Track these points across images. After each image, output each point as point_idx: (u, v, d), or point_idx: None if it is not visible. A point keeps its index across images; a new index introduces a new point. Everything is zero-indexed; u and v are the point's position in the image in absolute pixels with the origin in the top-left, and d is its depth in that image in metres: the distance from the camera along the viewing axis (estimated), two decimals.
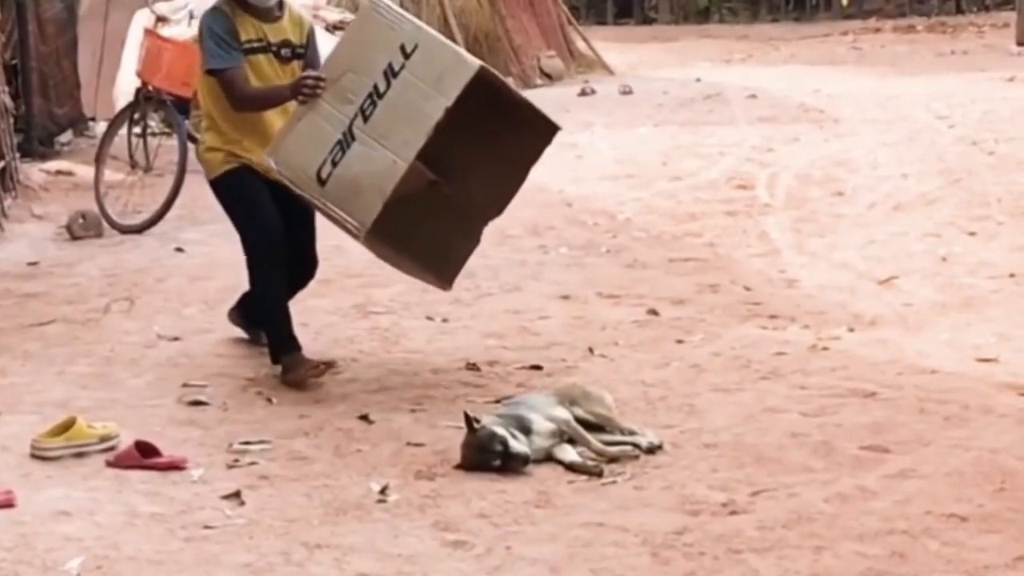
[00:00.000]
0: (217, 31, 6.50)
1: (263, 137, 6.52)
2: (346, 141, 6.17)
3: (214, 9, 6.61)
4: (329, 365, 6.42)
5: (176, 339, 7.23)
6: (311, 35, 6.79)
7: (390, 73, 6.13)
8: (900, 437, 5.59)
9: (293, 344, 6.52)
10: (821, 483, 5.15)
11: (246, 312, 7.04)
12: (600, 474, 5.29)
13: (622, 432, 5.60)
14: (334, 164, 6.17)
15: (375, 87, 6.15)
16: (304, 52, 6.70)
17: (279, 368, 6.52)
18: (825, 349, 6.86)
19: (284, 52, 6.64)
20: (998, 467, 5.24)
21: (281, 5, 6.69)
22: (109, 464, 5.41)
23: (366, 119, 6.15)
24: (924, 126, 13.38)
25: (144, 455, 5.42)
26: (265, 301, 6.57)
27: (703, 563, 4.51)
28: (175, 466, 5.38)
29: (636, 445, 5.52)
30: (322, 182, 6.18)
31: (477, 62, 6.15)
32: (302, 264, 6.80)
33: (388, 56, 6.14)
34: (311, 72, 6.38)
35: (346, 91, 6.20)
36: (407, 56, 6.11)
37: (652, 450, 5.51)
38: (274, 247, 6.51)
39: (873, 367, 6.54)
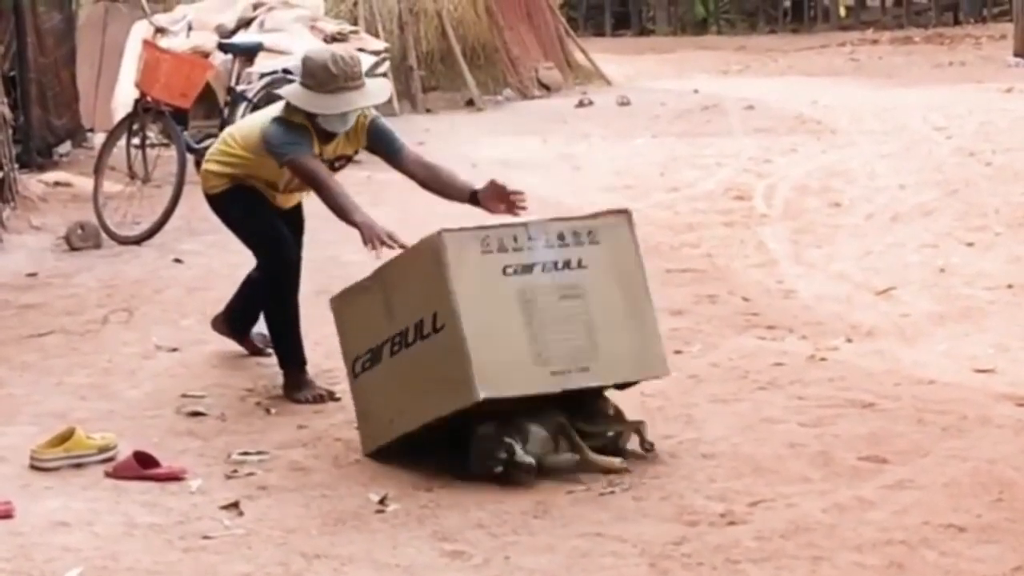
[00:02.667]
0: (297, 140, 6.20)
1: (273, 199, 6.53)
2: (375, 357, 5.57)
3: (290, 121, 6.23)
4: (331, 397, 6.40)
5: (174, 350, 7.24)
6: (373, 131, 6.43)
7: (418, 331, 5.41)
8: (898, 447, 5.60)
9: (302, 357, 6.53)
10: (819, 493, 5.16)
11: (231, 321, 7.04)
12: (616, 470, 5.29)
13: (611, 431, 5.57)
14: (364, 368, 5.63)
15: (404, 331, 5.45)
16: (352, 158, 6.58)
17: (278, 378, 6.53)
18: (823, 360, 6.86)
19: (337, 164, 6.50)
20: (996, 477, 5.24)
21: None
22: (108, 475, 5.42)
23: (392, 353, 5.50)
24: (921, 137, 13.39)
25: (143, 466, 5.42)
26: (284, 314, 6.55)
27: (701, 573, 4.52)
28: (174, 477, 5.38)
29: (619, 439, 5.52)
30: (355, 375, 5.69)
31: (479, 395, 5.22)
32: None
33: (424, 311, 5.37)
34: (395, 235, 5.92)
35: (393, 306, 5.53)
36: (435, 330, 5.34)
37: (645, 446, 5.50)
38: (293, 262, 6.52)
39: (871, 378, 6.55)
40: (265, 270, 6.62)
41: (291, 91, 6.34)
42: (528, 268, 5.40)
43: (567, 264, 5.45)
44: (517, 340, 5.32)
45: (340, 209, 6.19)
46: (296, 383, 6.45)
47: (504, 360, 5.29)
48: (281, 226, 6.58)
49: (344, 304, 5.80)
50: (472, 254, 5.33)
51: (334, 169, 6.47)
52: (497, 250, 5.36)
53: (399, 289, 5.50)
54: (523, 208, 6.11)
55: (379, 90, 6.49)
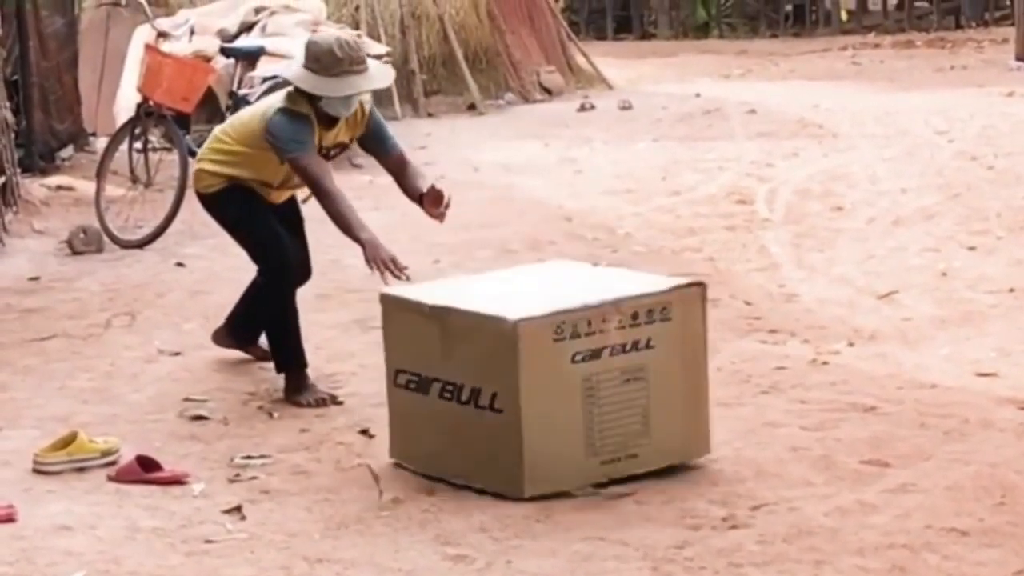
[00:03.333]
0: (300, 129, 6.21)
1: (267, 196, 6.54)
2: (423, 386, 5.42)
3: (301, 114, 6.24)
4: (334, 400, 6.40)
5: (177, 354, 7.24)
6: (372, 121, 6.48)
7: (474, 396, 5.24)
8: (900, 451, 5.60)
9: (303, 360, 6.53)
10: (821, 497, 5.16)
11: (234, 329, 7.02)
12: None
13: None
14: (408, 386, 5.49)
15: (460, 386, 5.29)
16: (348, 146, 6.60)
17: (280, 382, 6.53)
18: (825, 363, 6.86)
19: (333, 152, 6.52)
20: (998, 481, 5.25)
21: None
22: (111, 479, 5.42)
23: (442, 397, 5.34)
24: (923, 141, 13.39)
25: (145, 469, 5.42)
26: (283, 315, 6.55)
27: None
28: (176, 480, 5.39)
29: None
30: (396, 385, 5.54)
31: (526, 493, 5.16)
32: (301, 268, 6.82)
33: (485, 382, 5.25)
34: (398, 261, 5.99)
35: (452, 351, 5.33)
36: (492, 408, 5.20)
37: None
38: (290, 263, 6.54)
39: (873, 381, 6.55)
40: (262, 272, 6.62)
41: (297, 74, 6.31)
42: (597, 353, 5.21)
43: (636, 345, 5.28)
44: (574, 432, 5.21)
45: (344, 222, 6.19)
46: (297, 386, 6.45)
47: (557, 453, 5.19)
48: (278, 226, 6.57)
49: (396, 309, 5.58)
50: (545, 343, 5.16)
51: (329, 158, 6.47)
52: (570, 336, 5.18)
53: (462, 341, 5.29)
54: (438, 219, 6.30)
55: (383, 74, 6.51)
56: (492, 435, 5.20)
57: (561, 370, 5.17)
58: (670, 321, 5.33)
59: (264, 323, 6.70)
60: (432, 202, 6.36)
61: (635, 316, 5.28)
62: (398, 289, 5.75)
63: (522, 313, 5.17)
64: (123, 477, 5.42)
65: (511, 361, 5.13)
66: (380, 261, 5.97)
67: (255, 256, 6.65)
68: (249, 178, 6.52)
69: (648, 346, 5.30)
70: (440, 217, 6.32)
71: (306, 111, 6.27)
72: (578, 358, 5.19)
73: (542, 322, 5.16)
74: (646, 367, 5.30)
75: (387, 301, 5.65)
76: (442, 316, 5.36)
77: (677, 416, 5.37)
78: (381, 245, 6.06)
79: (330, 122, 6.36)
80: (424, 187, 6.41)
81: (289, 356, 6.52)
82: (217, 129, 6.76)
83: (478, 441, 5.25)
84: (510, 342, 5.13)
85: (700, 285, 5.47)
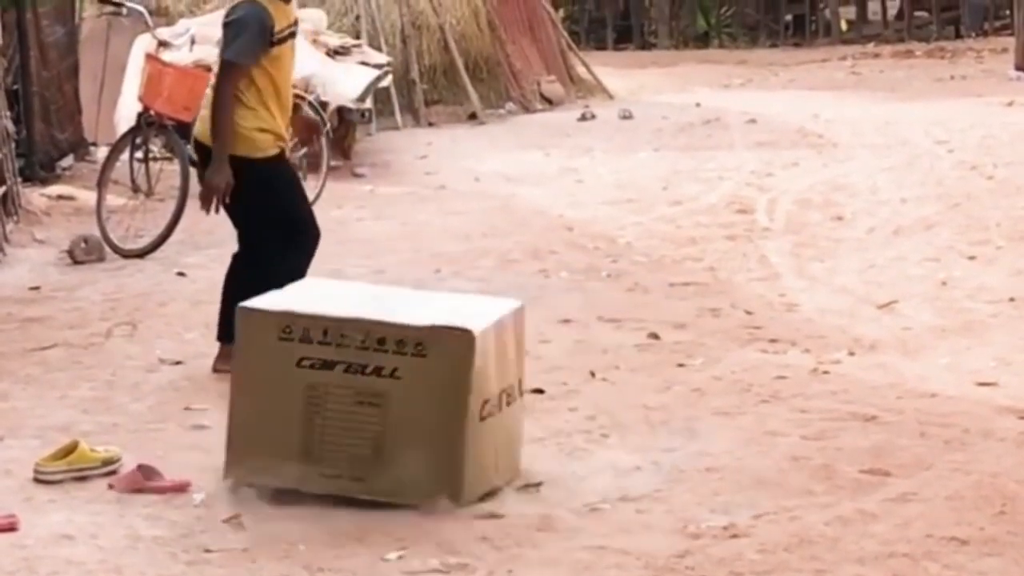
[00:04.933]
0: (255, 26, 6.61)
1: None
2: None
3: (251, 2, 6.66)
4: None
5: (178, 363, 7.24)
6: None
7: None
8: (900, 461, 5.60)
9: None
10: (822, 506, 5.16)
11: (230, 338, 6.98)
12: None
13: None
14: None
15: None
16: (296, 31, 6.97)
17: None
18: (825, 373, 6.87)
19: (288, 34, 6.83)
20: (998, 490, 5.25)
21: None
22: (111, 487, 5.42)
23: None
24: (923, 151, 13.40)
25: (146, 478, 5.43)
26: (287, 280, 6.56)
27: None
28: (177, 489, 5.39)
29: None
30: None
31: (225, 477, 5.31)
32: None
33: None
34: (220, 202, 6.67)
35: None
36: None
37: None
38: (314, 235, 6.90)
39: (873, 391, 6.55)
40: (288, 234, 6.82)
41: None
42: (329, 364, 5.15)
43: (378, 371, 5.12)
44: (289, 433, 5.19)
45: (219, 140, 6.65)
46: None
47: (267, 447, 5.21)
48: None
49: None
50: (268, 338, 5.20)
51: (284, 41, 6.75)
52: (299, 340, 5.16)
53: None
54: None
55: None
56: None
57: (283, 369, 5.17)
58: (424, 358, 5.11)
59: (238, 291, 6.48)
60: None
61: (381, 342, 5.13)
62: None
63: (263, 306, 5.30)
64: (124, 486, 5.42)
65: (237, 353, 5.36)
66: (212, 195, 6.59)
67: (279, 220, 6.82)
68: (279, 124, 6.79)
69: (393, 375, 5.12)
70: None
71: (264, 2, 6.64)
72: (305, 363, 5.15)
73: (267, 317, 5.22)
74: (386, 395, 5.13)
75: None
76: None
77: (420, 455, 5.12)
78: (220, 188, 6.63)
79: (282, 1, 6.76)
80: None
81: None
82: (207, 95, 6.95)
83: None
84: (238, 334, 5.35)
85: (466, 332, 5.11)
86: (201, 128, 6.90)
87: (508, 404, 5.37)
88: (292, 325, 5.16)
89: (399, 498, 5.12)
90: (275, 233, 6.83)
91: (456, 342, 5.09)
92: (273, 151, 6.85)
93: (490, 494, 5.26)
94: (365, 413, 5.14)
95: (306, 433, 5.17)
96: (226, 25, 6.74)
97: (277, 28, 6.70)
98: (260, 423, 5.23)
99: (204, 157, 6.87)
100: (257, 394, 5.24)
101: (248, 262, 6.93)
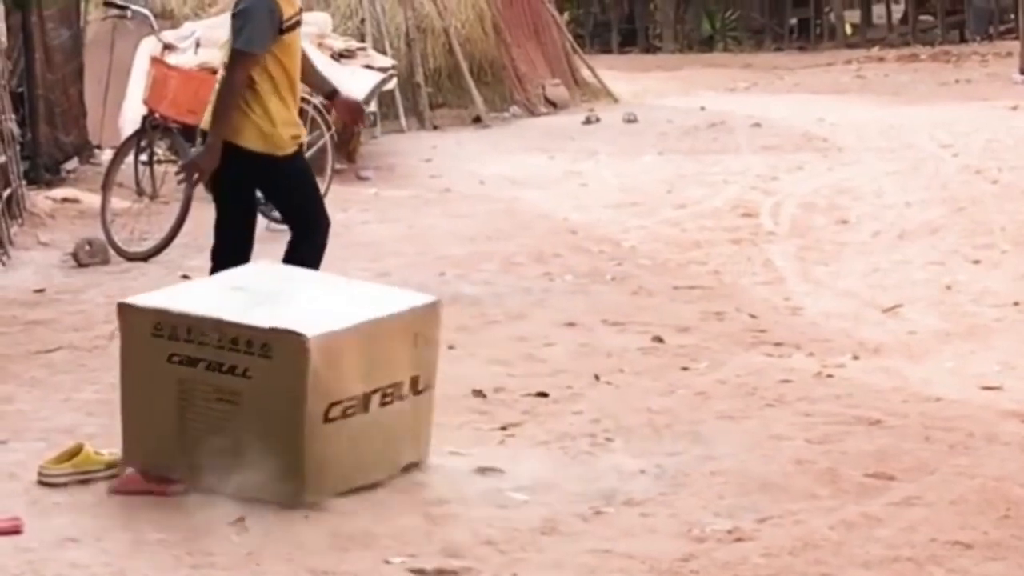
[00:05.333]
0: (264, 14, 6.68)
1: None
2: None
3: None
4: None
5: None
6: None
7: None
8: (905, 465, 5.60)
9: None
10: (826, 510, 5.16)
11: None
12: None
13: None
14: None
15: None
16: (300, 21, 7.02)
17: None
18: (830, 377, 6.87)
19: (293, 23, 6.89)
20: (1003, 495, 5.25)
21: None
22: (113, 491, 5.41)
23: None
24: (928, 155, 13.40)
25: (147, 479, 5.42)
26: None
27: None
28: (177, 491, 5.38)
29: None
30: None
31: (120, 456, 5.53)
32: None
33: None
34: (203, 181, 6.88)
35: None
36: None
37: None
38: (325, 226, 7.01)
39: (878, 395, 6.55)
40: (312, 231, 6.97)
41: None
42: (193, 362, 5.33)
43: (232, 370, 5.27)
44: (168, 424, 5.39)
45: (219, 122, 6.69)
46: None
47: (152, 435, 5.45)
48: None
49: None
50: (143, 334, 5.43)
51: (292, 29, 6.81)
52: (168, 337, 5.37)
53: None
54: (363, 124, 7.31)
55: None
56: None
57: (157, 364, 5.39)
58: (270, 360, 5.22)
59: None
60: (346, 113, 7.45)
61: (235, 342, 5.26)
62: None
63: (138, 302, 5.55)
64: (124, 488, 5.41)
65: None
66: (193, 172, 6.77)
67: (302, 217, 6.96)
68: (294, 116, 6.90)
69: (245, 375, 5.25)
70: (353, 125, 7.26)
71: None
72: (175, 359, 5.36)
73: (141, 314, 5.49)
74: (241, 394, 5.26)
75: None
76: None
77: (267, 456, 5.21)
78: (204, 171, 6.76)
79: None
80: (333, 87, 7.30)
81: None
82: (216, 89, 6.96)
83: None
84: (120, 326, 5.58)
85: (300, 336, 5.18)
86: (208, 118, 6.94)
87: (385, 404, 5.43)
88: (162, 322, 5.39)
89: (254, 494, 5.20)
90: (314, 227, 6.98)
91: (292, 345, 5.19)
92: (292, 149, 6.92)
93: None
94: (224, 410, 5.31)
95: (180, 425, 5.38)
96: (234, 16, 6.79)
97: (285, 16, 6.77)
98: (145, 413, 5.46)
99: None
100: (139, 386, 5.47)
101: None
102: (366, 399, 5.36)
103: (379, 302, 5.67)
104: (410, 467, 5.57)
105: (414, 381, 5.56)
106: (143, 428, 5.46)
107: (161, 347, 5.37)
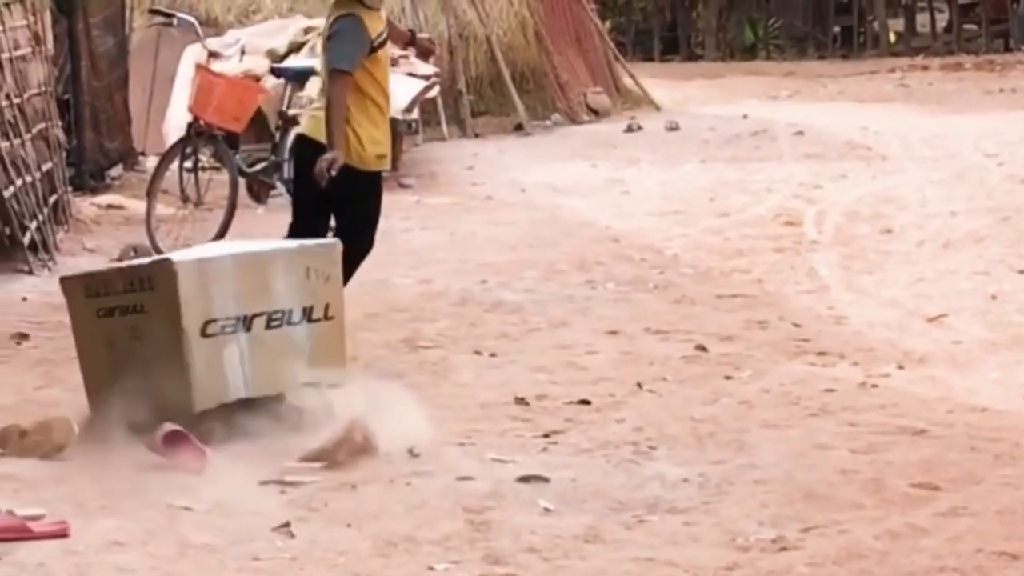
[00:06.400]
0: (355, 33, 6.97)
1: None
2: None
3: (349, 15, 7.01)
4: None
5: None
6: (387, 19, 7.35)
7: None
8: (950, 475, 5.57)
9: None
10: (871, 520, 5.14)
11: None
12: None
13: None
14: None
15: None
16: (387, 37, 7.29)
17: None
18: (874, 386, 6.84)
19: (382, 40, 7.16)
20: None
21: None
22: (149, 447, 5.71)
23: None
24: (972, 164, 13.34)
25: (170, 442, 5.68)
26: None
27: None
28: (194, 459, 5.62)
29: None
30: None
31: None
32: None
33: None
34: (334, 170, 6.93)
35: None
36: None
37: None
38: (365, 250, 7.29)
39: (923, 405, 6.52)
40: (364, 243, 7.24)
41: None
42: (111, 311, 6.09)
43: (135, 309, 6.03)
44: (106, 374, 6.11)
45: (332, 133, 6.97)
46: None
47: (103, 388, 6.10)
48: None
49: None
50: (81, 298, 6.22)
51: (382, 46, 7.11)
52: (97, 295, 6.15)
53: None
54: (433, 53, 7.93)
55: None
56: None
57: (92, 321, 6.17)
58: (154, 291, 5.98)
59: None
60: (423, 51, 7.90)
61: (131, 284, 6.05)
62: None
63: (75, 273, 6.61)
64: (149, 443, 5.72)
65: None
66: (327, 167, 6.89)
67: (361, 229, 7.19)
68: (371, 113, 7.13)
69: (143, 311, 6.02)
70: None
71: (354, 9, 7.00)
72: (102, 313, 6.12)
73: (75, 281, 6.36)
74: (141, 328, 6.02)
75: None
76: None
77: (163, 377, 5.92)
78: (335, 162, 6.93)
79: (373, 13, 7.09)
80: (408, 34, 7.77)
81: None
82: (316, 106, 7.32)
83: None
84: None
85: (170, 263, 6.01)
86: (311, 126, 7.21)
87: (272, 327, 6.13)
88: (89, 284, 6.24)
89: (169, 417, 5.79)
90: (367, 240, 7.24)
91: (165, 272, 6.00)
92: (375, 167, 7.19)
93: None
94: (136, 347, 6.04)
95: (115, 371, 6.03)
96: (328, 39, 7.09)
97: (374, 33, 7.04)
98: (94, 368, 6.20)
99: (306, 152, 7.20)
100: (86, 344, 6.24)
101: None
102: (247, 320, 6.08)
103: (274, 246, 6.47)
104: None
105: (307, 310, 6.22)
106: (96, 383, 6.15)
107: (92, 305, 6.14)
